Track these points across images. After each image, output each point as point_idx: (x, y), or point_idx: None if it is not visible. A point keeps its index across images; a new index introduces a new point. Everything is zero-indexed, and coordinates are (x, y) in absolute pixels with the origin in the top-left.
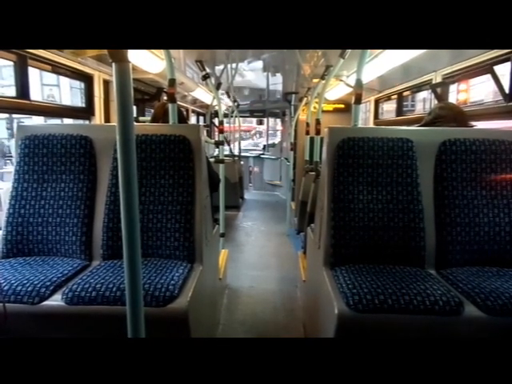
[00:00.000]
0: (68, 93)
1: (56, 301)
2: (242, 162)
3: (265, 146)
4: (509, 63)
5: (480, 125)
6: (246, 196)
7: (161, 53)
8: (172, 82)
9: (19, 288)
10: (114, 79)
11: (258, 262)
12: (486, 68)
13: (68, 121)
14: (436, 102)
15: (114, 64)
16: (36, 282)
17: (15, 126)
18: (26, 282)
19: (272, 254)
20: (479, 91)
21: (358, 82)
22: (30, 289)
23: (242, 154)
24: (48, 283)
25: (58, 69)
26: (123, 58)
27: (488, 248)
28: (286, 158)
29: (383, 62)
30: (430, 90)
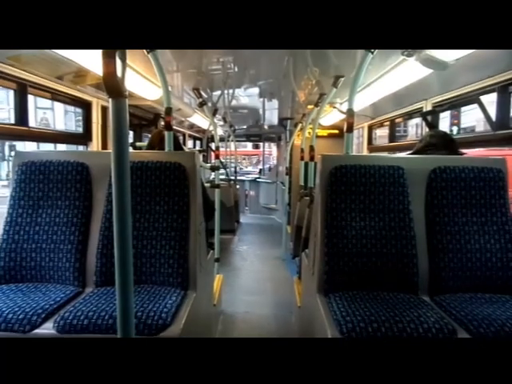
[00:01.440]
0: (62, 116)
1: (47, 329)
2: (237, 186)
3: (260, 169)
4: (495, 94)
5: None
6: (242, 220)
7: (158, 79)
8: (169, 110)
9: (10, 316)
10: (110, 113)
11: (254, 286)
12: (474, 98)
13: (62, 146)
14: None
15: (110, 100)
16: (28, 310)
17: (6, 148)
18: (17, 309)
19: (267, 278)
20: (470, 118)
21: (350, 112)
22: (21, 316)
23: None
24: (40, 311)
25: (57, 96)
26: (120, 94)
27: (480, 274)
28: (282, 182)
29: (375, 91)
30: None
